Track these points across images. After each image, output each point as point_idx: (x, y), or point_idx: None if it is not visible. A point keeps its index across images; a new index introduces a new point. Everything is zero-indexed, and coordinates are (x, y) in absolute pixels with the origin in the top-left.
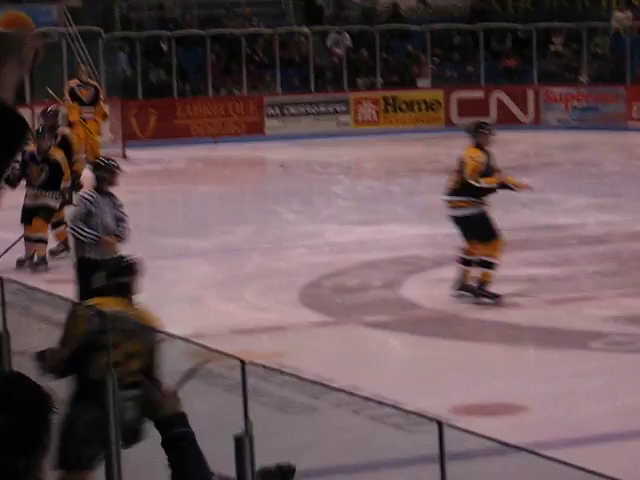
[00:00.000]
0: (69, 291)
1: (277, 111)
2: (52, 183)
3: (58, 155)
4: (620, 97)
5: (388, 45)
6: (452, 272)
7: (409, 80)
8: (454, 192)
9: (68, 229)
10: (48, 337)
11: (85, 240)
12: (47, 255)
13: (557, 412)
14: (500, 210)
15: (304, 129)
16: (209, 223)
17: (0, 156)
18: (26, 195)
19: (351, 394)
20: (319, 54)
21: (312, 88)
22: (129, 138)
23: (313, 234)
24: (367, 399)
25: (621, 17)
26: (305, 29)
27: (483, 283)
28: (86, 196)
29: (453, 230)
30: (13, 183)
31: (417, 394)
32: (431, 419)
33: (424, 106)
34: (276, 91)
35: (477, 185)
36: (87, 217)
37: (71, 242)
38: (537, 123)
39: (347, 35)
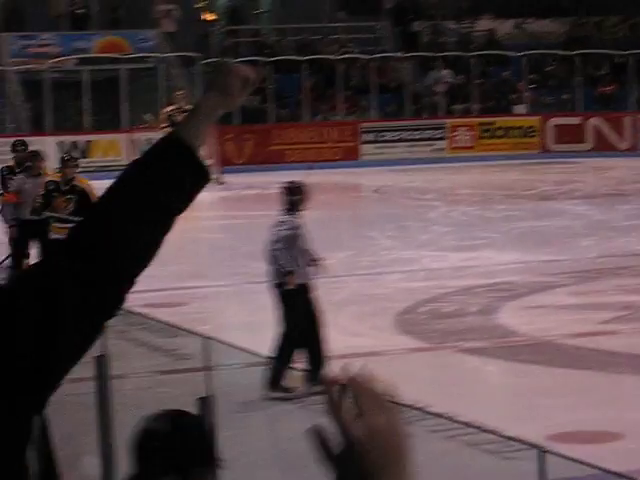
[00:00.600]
0: (165, 315)
1: (372, 137)
2: (82, 212)
3: (83, 183)
4: None
5: (484, 71)
6: (547, 299)
7: (505, 106)
8: None
9: (271, 253)
10: (147, 361)
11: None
12: None
13: None
14: (596, 237)
15: (399, 155)
16: None
17: (177, 201)
18: (50, 229)
19: (449, 419)
20: (415, 80)
21: (408, 114)
22: (225, 163)
23: (409, 260)
24: (466, 425)
25: None
26: (401, 55)
27: None
28: (296, 221)
29: (549, 257)
30: (39, 213)
31: (512, 421)
32: (532, 445)
33: (520, 132)
34: (371, 117)
35: None
36: (294, 241)
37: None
38: (634, 150)
39: (446, 72)
